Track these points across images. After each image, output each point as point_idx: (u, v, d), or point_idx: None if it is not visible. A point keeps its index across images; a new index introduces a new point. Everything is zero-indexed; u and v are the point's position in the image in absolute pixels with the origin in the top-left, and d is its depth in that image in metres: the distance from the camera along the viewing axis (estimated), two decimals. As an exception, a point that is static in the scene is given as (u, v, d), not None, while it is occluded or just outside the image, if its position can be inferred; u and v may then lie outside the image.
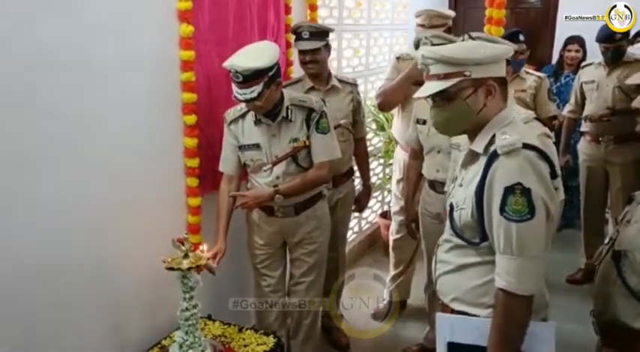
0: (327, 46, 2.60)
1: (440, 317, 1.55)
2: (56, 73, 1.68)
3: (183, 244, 1.82)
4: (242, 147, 2.20)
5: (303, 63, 2.58)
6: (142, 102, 2.00)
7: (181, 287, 1.84)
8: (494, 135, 1.39)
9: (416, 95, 1.52)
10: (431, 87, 1.42)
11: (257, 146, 2.19)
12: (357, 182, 3.11)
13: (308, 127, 2.21)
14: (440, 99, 1.43)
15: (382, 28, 4.06)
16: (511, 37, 3.16)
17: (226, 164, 2.24)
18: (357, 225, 4.05)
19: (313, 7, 2.94)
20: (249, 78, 1.96)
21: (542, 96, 3.30)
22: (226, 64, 1.98)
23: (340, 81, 2.72)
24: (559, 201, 1.42)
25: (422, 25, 2.84)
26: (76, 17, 1.72)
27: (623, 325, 1.62)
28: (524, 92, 3.28)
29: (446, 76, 1.39)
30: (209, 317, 2.26)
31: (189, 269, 1.80)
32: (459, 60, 1.38)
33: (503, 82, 1.45)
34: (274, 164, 2.20)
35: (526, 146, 1.33)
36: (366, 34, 3.83)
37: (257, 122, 2.17)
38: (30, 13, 1.59)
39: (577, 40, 4.12)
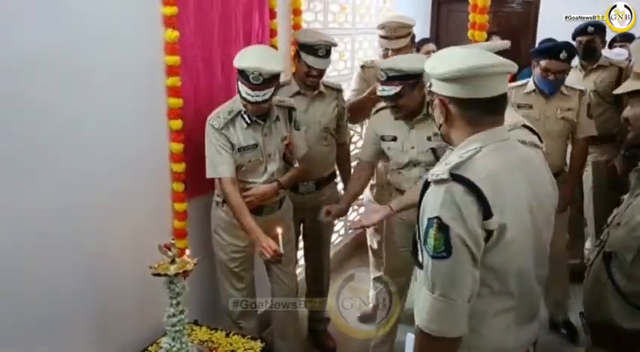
0: None
1: (408, 336, 1.53)
2: (41, 77, 1.67)
3: (170, 250, 1.82)
4: (241, 149, 2.23)
5: (307, 75, 2.56)
6: (128, 107, 1.99)
7: (168, 293, 1.84)
8: None
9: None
10: None
11: (255, 146, 2.26)
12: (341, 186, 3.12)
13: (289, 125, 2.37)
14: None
15: (367, 32, 4.08)
16: (552, 51, 2.78)
17: (226, 167, 2.20)
18: (343, 228, 4.06)
19: (297, 12, 2.94)
20: (268, 80, 2.07)
21: (581, 112, 2.88)
22: (247, 65, 2.05)
23: (326, 86, 2.74)
24: (513, 250, 1.26)
25: (386, 37, 2.83)
26: (62, 22, 1.71)
27: (616, 326, 1.64)
28: (571, 111, 2.87)
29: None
30: (196, 323, 2.25)
31: (176, 274, 1.80)
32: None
33: (468, 105, 1.28)
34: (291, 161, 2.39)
35: (455, 177, 1.20)
36: (350, 37, 3.85)
37: (250, 124, 2.23)
38: (15, 16, 1.57)
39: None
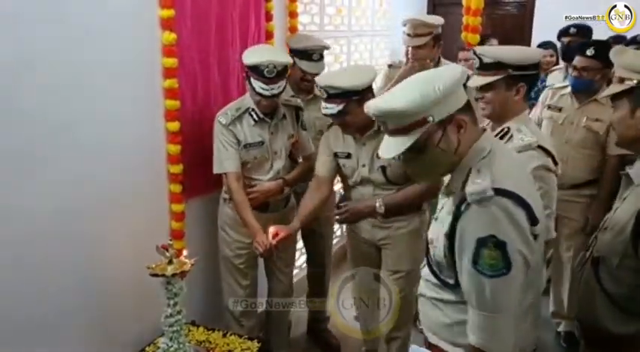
0: None
1: (413, 348, 1.54)
2: (40, 78, 1.68)
3: (167, 250, 1.83)
4: (247, 146, 2.27)
5: (302, 79, 2.58)
6: (126, 109, 2.00)
7: (166, 294, 1.84)
8: (470, 171, 1.26)
9: (381, 155, 1.32)
10: (396, 144, 1.25)
11: (261, 143, 2.29)
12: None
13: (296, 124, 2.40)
14: (410, 153, 1.26)
15: (363, 34, 4.11)
16: (581, 47, 2.69)
17: (232, 162, 2.24)
18: (340, 229, 4.06)
19: (293, 14, 2.96)
20: (281, 73, 2.13)
21: None
22: (261, 59, 2.09)
23: None
24: (540, 248, 1.30)
25: (408, 34, 2.85)
26: (60, 23, 1.72)
27: (605, 329, 1.66)
28: (599, 122, 2.64)
29: (410, 128, 1.23)
30: (193, 323, 2.26)
31: (173, 275, 1.81)
32: (415, 109, 1.21)
33: (468, 107, 1.28)
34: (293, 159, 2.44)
35: (499, 192, 1.19)
36: (346, 40, 3.87)
37: (257, 121, 2.27)
38: (14, 17, 1.59)
39: (550, 46, 4.22)
